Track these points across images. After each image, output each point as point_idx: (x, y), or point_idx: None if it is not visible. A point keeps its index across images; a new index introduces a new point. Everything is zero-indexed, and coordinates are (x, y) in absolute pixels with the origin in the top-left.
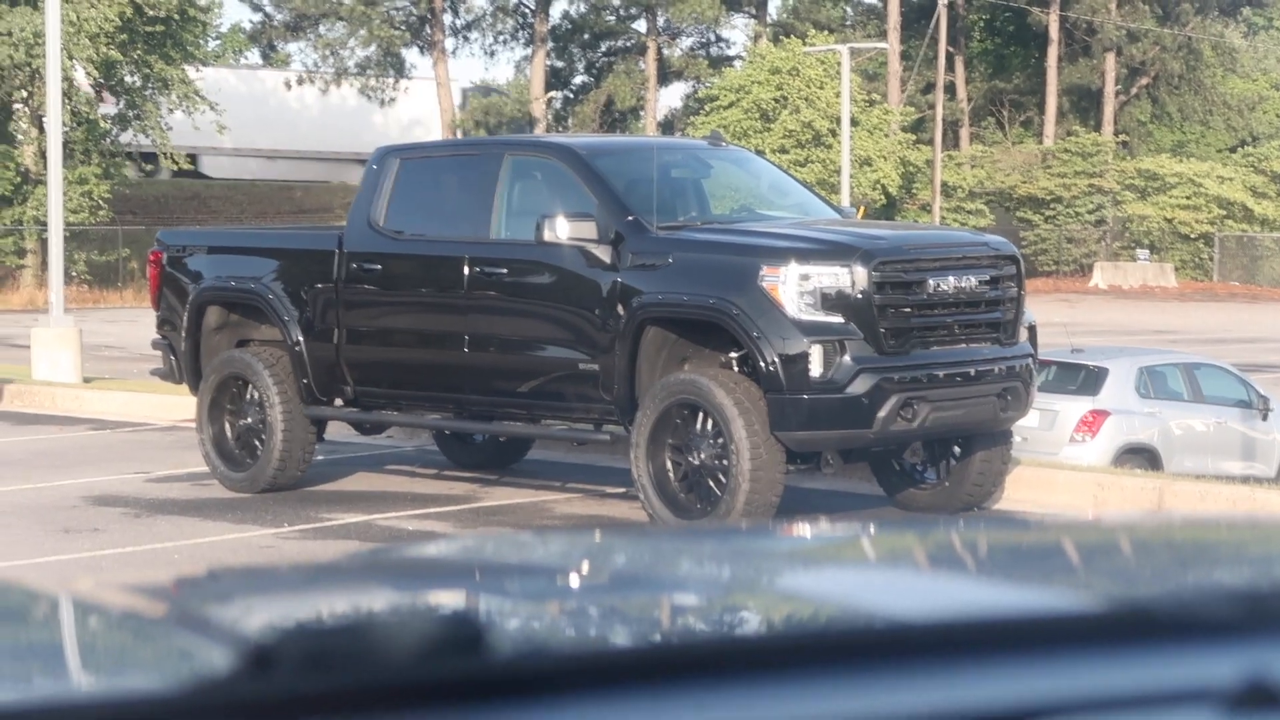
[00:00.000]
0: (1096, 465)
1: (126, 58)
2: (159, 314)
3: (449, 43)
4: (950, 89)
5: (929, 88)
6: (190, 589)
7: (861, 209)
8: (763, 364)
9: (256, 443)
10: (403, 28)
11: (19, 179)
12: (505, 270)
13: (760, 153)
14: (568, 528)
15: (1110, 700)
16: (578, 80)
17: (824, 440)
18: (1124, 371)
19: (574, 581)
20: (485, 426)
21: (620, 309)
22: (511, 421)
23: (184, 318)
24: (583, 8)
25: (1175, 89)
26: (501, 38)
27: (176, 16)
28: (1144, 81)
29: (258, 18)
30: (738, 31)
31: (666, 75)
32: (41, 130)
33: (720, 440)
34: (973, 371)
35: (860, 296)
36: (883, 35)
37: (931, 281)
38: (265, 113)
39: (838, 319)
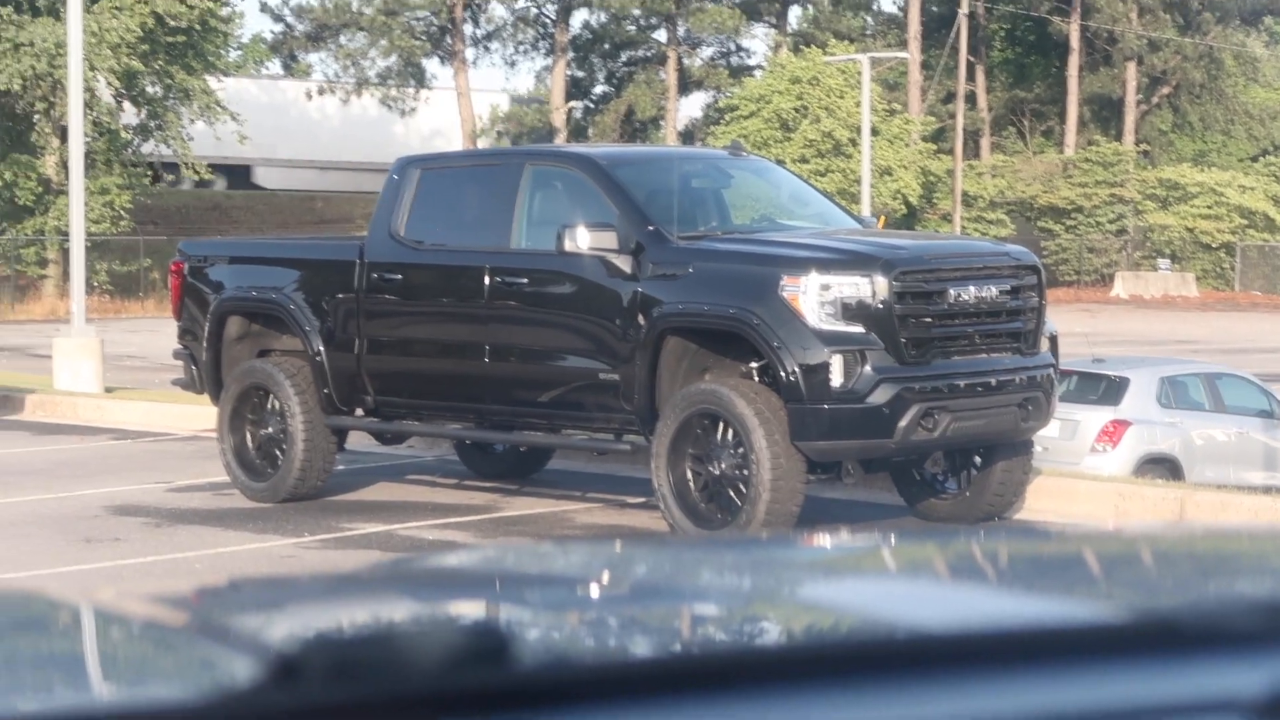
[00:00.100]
0: (1118, 475)
1: (148, 68)
2: (180, 324)
3: (470, 53)
4: (971, 98)
5: (949, 97)
6: (213, 599)
7: (882, 219)
8: (783, 374)
9: (277, 452)
10: (423, 38)
11: (41, 189)
12: (526, 280)
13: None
14: (589, 538)
15: (1135, 711)
16: (598, 90)
17: (845, 450)
18: (1145, 381)
19: (596, 592)
20: (506, 436)
21: (641, 319)
22: (532, 431)
23: (205, 328)
24: (603, 18)
25: (1196, 98)
26: (522, 48)
27: (198, 27)
28: (1165, 91)
29: (279, 28)
30: (758, 41)
31: (687, 85)
32: (63, 140)
33: (741, 450)
34: (994, 381)
35: (881, 306)
36: (903, 45)
37: (952, 291)
38: (286, 122)
39: (858, 329)
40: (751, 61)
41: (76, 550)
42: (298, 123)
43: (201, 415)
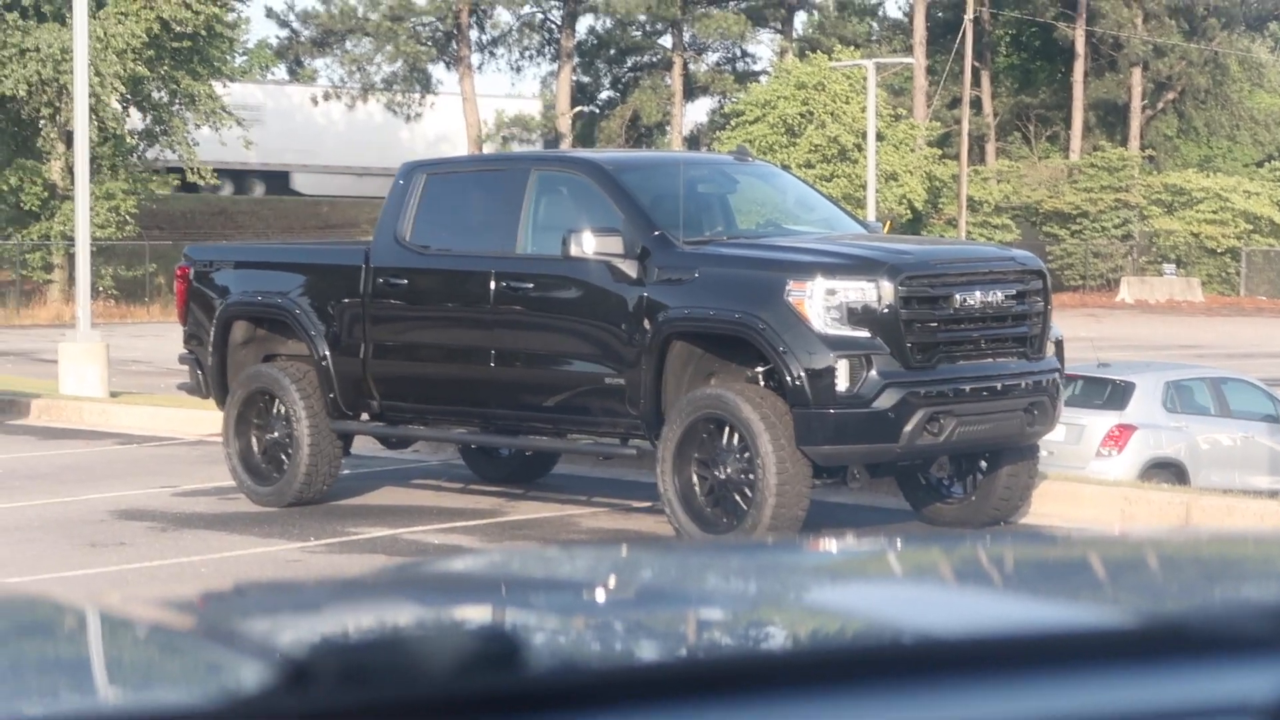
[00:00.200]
0: (1123, 480)
1: (153, 74)
2: (186, 329)
3: (475, 58)
4: (976, 104)
5: (955, 102)
6: (220, 604)
7: (887, 224)
8: (789, 378)
9: (283, 457)
10: (429, 43)
11: (46, 194)
12: (531, 285)
13: (786, 167)
14: (594, 542)
15: (1145, 716)
16: (604, 95)
17: (850, 455)
18: (1151, 386)
19: (605, 597)
20: (511, 441)
21: (646, 323)
22: (537, 436)
23: (211, 332)
24: (609, 23)
25: (1202, 103)
26: (528, 53)
27: (203, 32)
28: (1170, 96)
29: (284, 33)
30: (764, 47)
31: (692, 90)
32: (69, 145)
33: (746, 455)
34: (999, 386)
35: (886, 311)
36: (909, 50)
37: (958, 296)
38: (293, 127)
39: (864, 333)
40: (757, 67)
41: (82, 555)
42: (336, 129)
43: (207, 420)
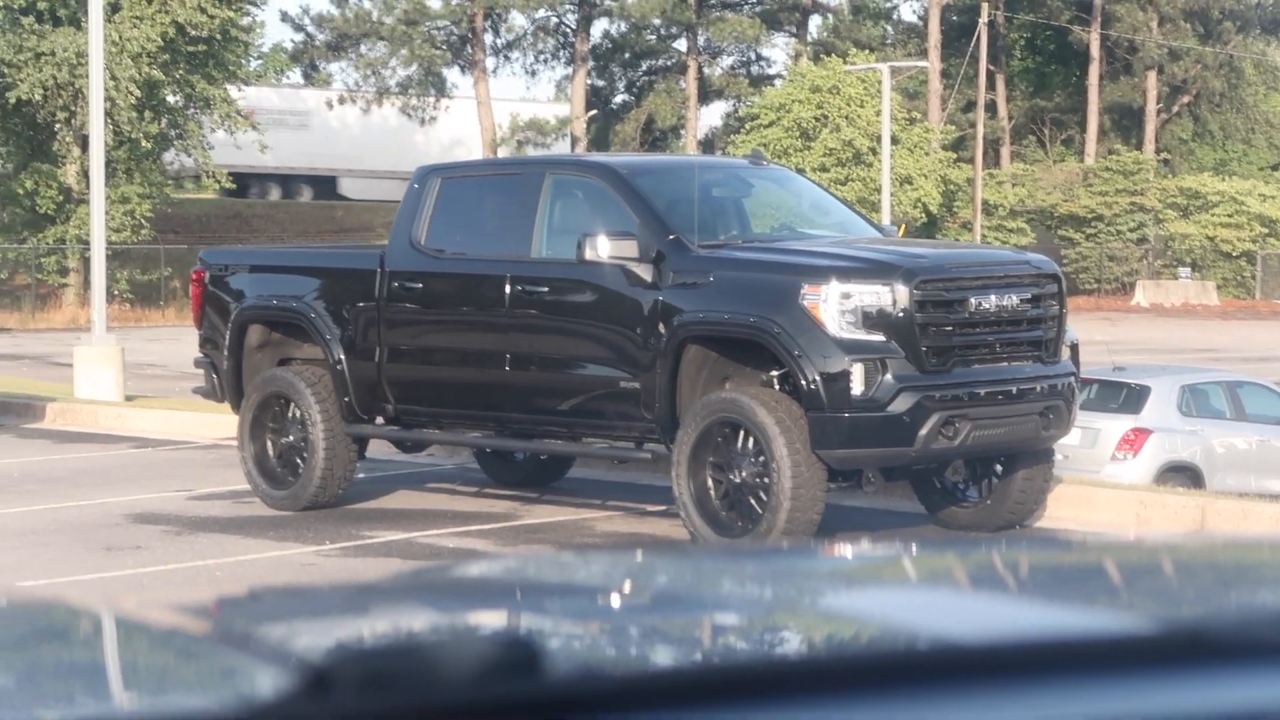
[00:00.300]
0: (1138, 483)
1: (169, 77)
2: (201, 332)
3: (490, 62)
4: (991, 107)
5: (970, 106)
6: (237, 609)
7: (902, 227)
8: (804, 382)
9: (298, 461)
10: (444, 47)
11: (62, 198)
12: (546, 289)
13: (801, 171)
14: (610, 546)
15: None
16: (618, 99)
17: (865, 458)
18: (1166, 390)
19: (622, 602)
20: (526, 444)
21: (661, 327)
22: (552, 439)
23: (226, 336)
24: (623, 27)
25: (1217, 107)
26: (542, 57)
27: (219, 36)
28: (1185, 100)
29: (299, 37)
30: (778, 50)
31: (707, 94)
32: (84, 149)
33: (761, 458)
34: (1014, 390)
35: (902, 315)
36: (923, 54)
37: (973, 300)
38: (340, 132)
39: (879, 337)
40: (772, 70)
41: (97, 558)
42: (382, 134)
43: (222, 423)
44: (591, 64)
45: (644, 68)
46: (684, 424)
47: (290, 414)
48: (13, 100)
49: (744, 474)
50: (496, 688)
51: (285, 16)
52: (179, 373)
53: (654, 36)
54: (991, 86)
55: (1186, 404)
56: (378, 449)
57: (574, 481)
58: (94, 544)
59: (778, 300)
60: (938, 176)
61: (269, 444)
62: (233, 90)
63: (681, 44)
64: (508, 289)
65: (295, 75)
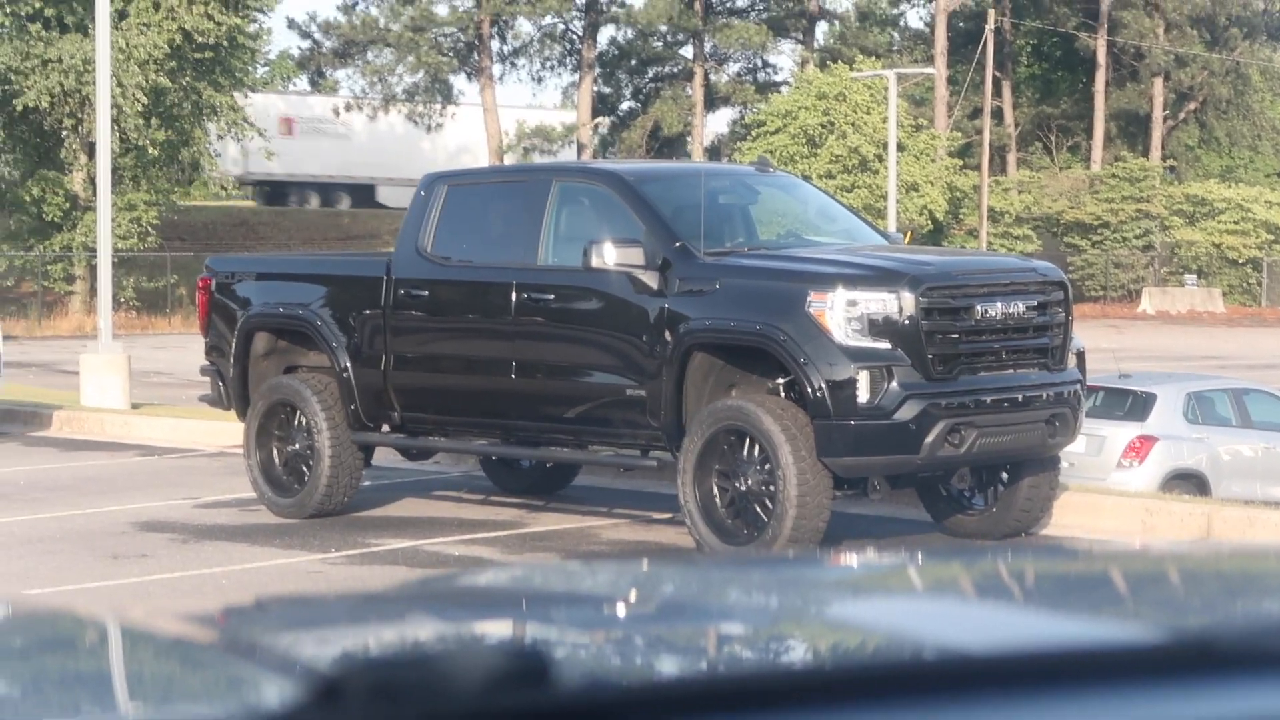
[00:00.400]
0: (1144, 491)
1: (175, 84)
2: (207, 340)
3: (496, 69)
4: (997, 114)
5: (976, 113)
6: (245, 618)
7: (908, 234)
8: (810, 390)
9: (304, 468)
10: (450, 54)
11: (68, 205)
12: (552, 296)
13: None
14: (616, 555)
15: None
16: (625, 106)
17: (871, 466)
18: (1172, 397)
19: (631, 612)
20: (532, 452)
21: (667, 335)
22: (558, 447)
23: (232, 344)
24: (630, 34)
25: (1223, 114)
26: (549, 64)
27: (225, 43)
28: (1192, 106)
29: (306, 44)
30: (785, 57)
31: (713, 101)
32: (91, 156)
33: (767, 466)
34: (1020, 397)
35: (907, 322)
36: (930, 60)
37: (979, 307)
38: (378, 141)
39: (885, 345)
40: (778, 77)
41: (103, 566)
42: (421, 143)
43: (228, 431)
44: (598, 71)
45: (650, 74)
46: (690, 432)
47: (296, 422)
48: (20, 107)
49: (750, 482)
50: (506, 698)
51: (292, 23)
52: (185, 380)
53: (660, 43)
54: (998, 93)
55: (1192, 411)
56: (384, 456)
57: (580, 489)
58: (100, 552)
59: (784, 308)
60: (944, 183)
61: (275, 452)
62: (276, 98)
63: (688, 51)
64: (514, 296)
65: (302, 82)
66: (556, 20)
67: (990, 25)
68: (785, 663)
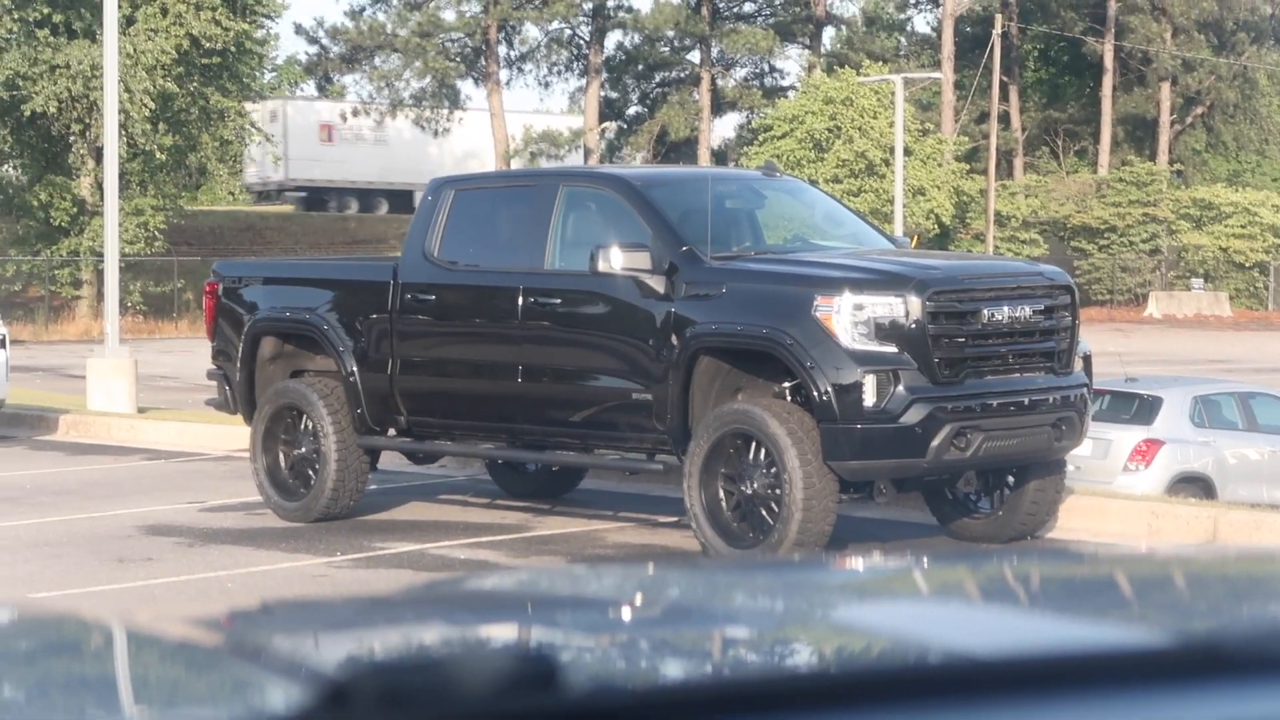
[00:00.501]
0: (1150, 494)
1: (183, 90)
2: (214, 344)
3: (503, 74)
4: (1004, 118)
5: (983, 117)
6: (252, 622)
7: (915, 239)
8: (816, 394)
9: (310, 472)
10: (457, 59)
11: (76, 210)
12: (559, 300)
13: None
14: (623, 559)
15: None
16: (632, 111)
17: (877, 470)
18: (1178, 401)
19: (638, 616)
20: (538, 456)
21: (674, 339)
22: (564, 451)
23: (239, 348)
24: (637, 39)
25: (1230, 118)
26: (556, 69)
27: (233, 49)
28: (1199, 111)
29: (314, 50)
30: (791, 62)
31: (720, 106)
32: (98, 161)
33: (773, 470)
34: (1027, 401)
35: (914, 326)
36: (936, 65)
37: (986, 311)
38: (416, 147)
39: (891, 349)
40: (785, 82)
41: (109, 570)
42: (457, 150)
43: (234, 435)
44: (605, 76)
45: (657, 79)
46: (696, 435)
47: (302, 426)
48: (28, 113)
49: (756, 485)
50: (514, 702)
51: (300, 29)
52: (192, 385)
53: (667, 48)
54: (1005, 98)
55: (1199, 415)
56: (390, 460)
57: (586, 493)
58: (106, 556)
59: (790, 312)
60: (950, 188)
61: (281, 456)
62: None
63: (695, 56)
64: (520, 301)
65: (309, 88)
66: (563, 25)
67: (997, 30)
68: (791, 666)
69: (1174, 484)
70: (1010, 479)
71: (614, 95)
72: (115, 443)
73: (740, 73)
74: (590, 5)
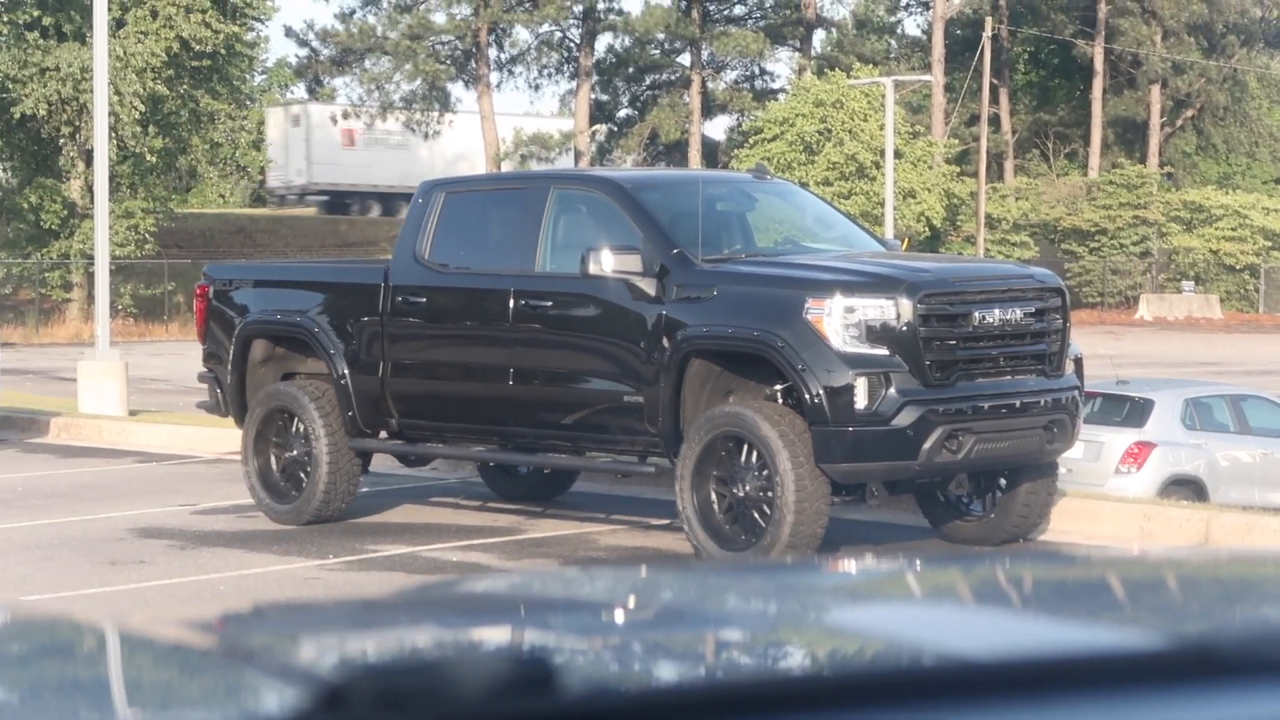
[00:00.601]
0: (1142, 497)
1: (173, 92)
2: (205, 347)
3: (494, 76)
4: (995, 121)
5: (973, 120)
6: (244, 625)
7: (906, 241)
8: (808, 396)
9: (302, 475)
10: (448, 62)
11: (66, 213)
12: (550, 303)
13: (804, 185)
14: (615, 561)
15: None
16: (622, 113)
17: (869, 472)
18: (1170, 403)
19: (631, 619)
20: (530, 458)
21: (665, 341)
22: (556, 454)
23: (230, 351)
24: (627, 41)
25: (1220, 121)
26: (546, 71)
27: (223, 51)
28: (1189, 113)
29: (304, 53)
30: (782, 65)
31: (711, 108)
32: (88, 164)
33: (765, 472)
34: (1018, 403)
35: (905, 329)
36: (927, 68)
37: (977, 314)
38: (467, 153)
39: (883, 351)
40: (775, 85)
41: (101, 572)
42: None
43: (226, 438)
44: (595, 78)
45: (648, 82)
46: (688, 438)
47: (294, 428)
48: (17, 115)
49: (748, 488)
50: (509, 705)
51: (290, 32)
52: (183, 387)
53: (658, 51)
54: (995, 100)
55: (1190, 417)
56: (381, 463)
57: (578, 496)
58: (98, 558)
59: (781, 314)
60: (941, 190)
61: (273, 458)
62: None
63: (685, 58)
64: (512, 303)
65: (299, 90)
66: (554, 28)
67: (988, 32)
68: (784, 669)
69: (1166, 486)
70: (1002, 481)
71: (604, 98)
72: (106, 445)
73: (731, 75)
74: (580, 8)
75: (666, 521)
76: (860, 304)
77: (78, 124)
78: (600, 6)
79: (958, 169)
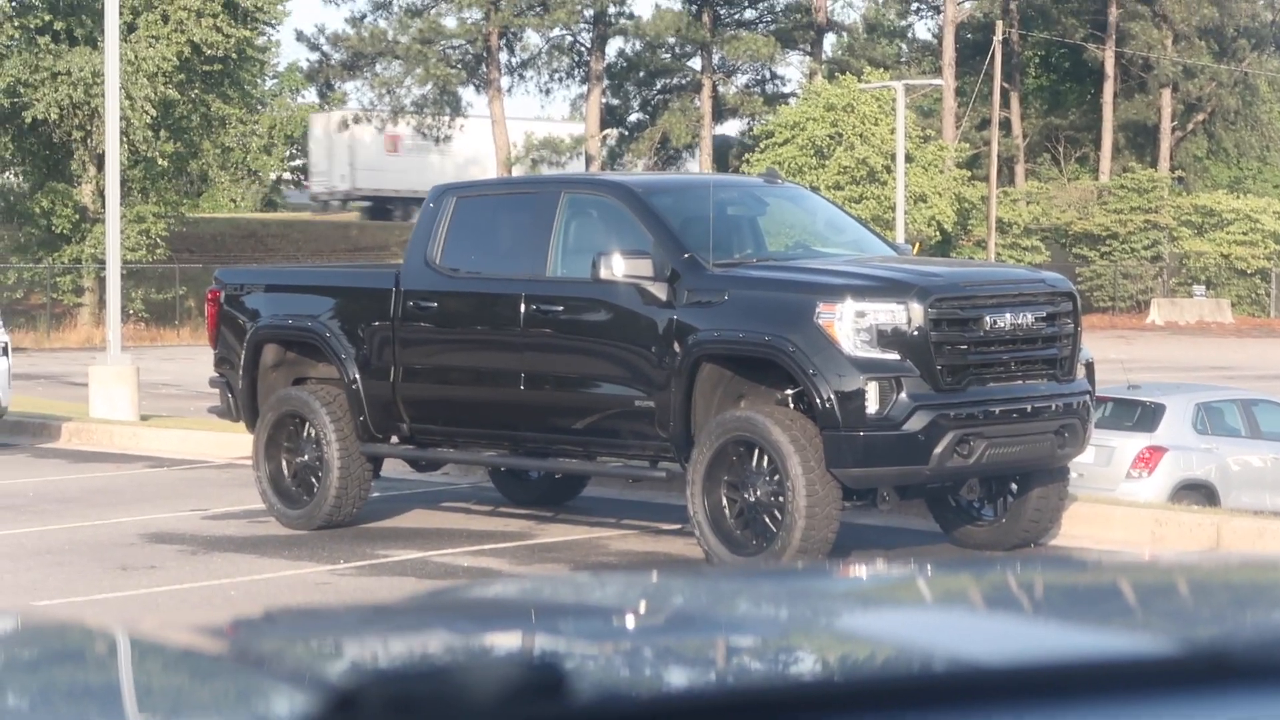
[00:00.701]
0: (1153, 501)
1: (184, 97)
2: (216, 352)
3: (504, 81)
4: (1006, 125)
5: (984, 124)
6: (255, 630)
7: (917, 245)
8: (819, 401)
9: (313, 480)
10: (459, 66)
11: (77, 217)
12: (561, 308)
13: (815, 189)
14: (626, 566)
15: None
16: (633, 118)
17: (880, 477)
18: (1181, 407)
19: (642, 624)
20: (541, 463)
21: (676, 346)
22: (567, 458)
23: (241, 355)
24: (638, 45)
25: (1232, 125)
26: (557, 75)
27: (234, 56)
28: (1200, 117)
29: (315, 57)
30: (793, 69)
31: (721, 112)
32: (100, 168)
33: (776, 477)
34: (1029, 408)
35: (916, 333)
36: (938, 72)
37: (988, 318)
38: (484, 156)
39: (894, 356)
40: (786, 89)
41: (112, 578)
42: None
43: (237, 443)
44: (606, 82)
45: (658, 86)
46: (699, 443)
47: (305, 433)
48: (29, 120)
49: (759, 493)
50: (521, 710)
51: (301, 36)
52: (194, 392)
53: (668, 55)
54: (1006, 104)
55: (1201, 422)
56: (392, 468)
57: (588, 500)
58: (109, 564)
59: (793, 319)
60: (952, 194)
61: (284, 463)
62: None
63: (696, 62)
64: (522, 308)
65: (311, 94)
66: (565, 32)
67: (998, 36)
68: (795, 674)
69: (1177, 491)
70: (1013, 486)
71: (615, 102)
72: (117, 450)
73: (741, 79)
74: (591, 12)
75: (677, 526)
76: (871, 308)
77: (89, 128)
78: (611, 10)
79: (968, 173)
